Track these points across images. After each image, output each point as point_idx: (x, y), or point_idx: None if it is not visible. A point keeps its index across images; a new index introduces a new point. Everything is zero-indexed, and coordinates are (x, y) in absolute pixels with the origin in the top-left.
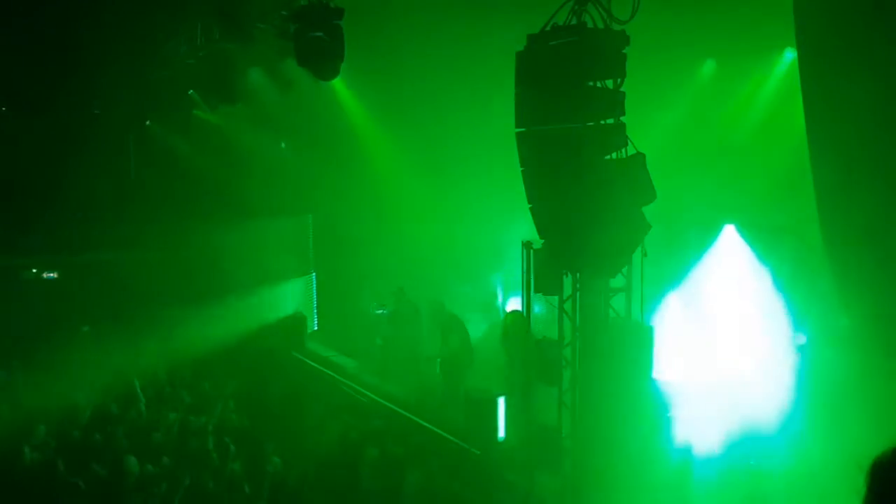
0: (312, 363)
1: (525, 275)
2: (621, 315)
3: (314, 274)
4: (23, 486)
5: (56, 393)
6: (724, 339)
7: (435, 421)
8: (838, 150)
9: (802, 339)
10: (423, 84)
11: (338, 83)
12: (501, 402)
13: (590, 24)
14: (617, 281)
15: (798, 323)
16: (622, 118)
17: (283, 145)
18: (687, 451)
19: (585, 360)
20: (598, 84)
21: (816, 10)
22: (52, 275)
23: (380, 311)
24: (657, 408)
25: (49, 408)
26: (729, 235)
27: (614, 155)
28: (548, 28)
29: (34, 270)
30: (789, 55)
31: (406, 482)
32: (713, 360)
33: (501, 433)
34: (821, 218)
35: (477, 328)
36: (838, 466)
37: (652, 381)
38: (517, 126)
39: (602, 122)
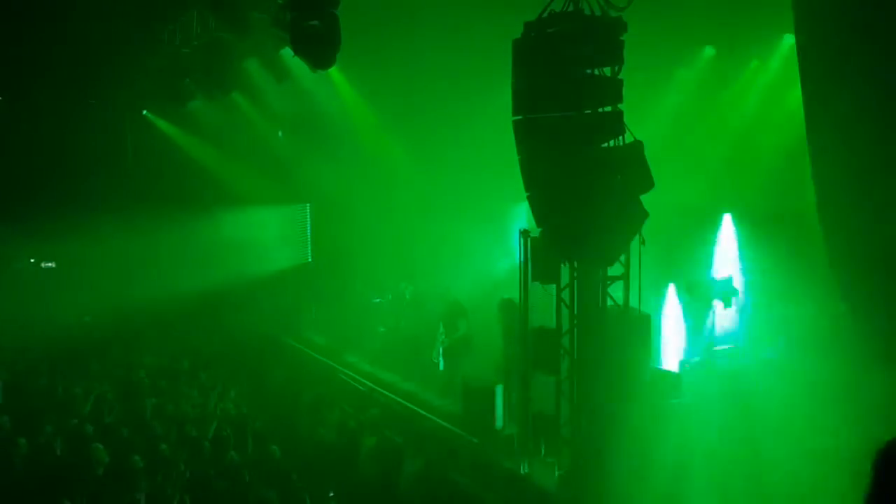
0: (310, 352)
1: (523, 263)
2: (619, 303)
3: (313, 262)
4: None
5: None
6: (721, 328)
7: (433, 409)
8: (838, 137)
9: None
10: (422, 72)
11: (335, 72)
12: (499, 390)
13: (587, 11)
14: (615, 269)
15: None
16: (620, 106)
17: (280, 134)
18: (686, 439)
19: (583, 348)
20: (596, 71)
21: None
22: (50, 264)
23: (378, 300)
24: (656, 396)
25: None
26: (727, 224)
27: (612, 143)
28: (545, 15)
29: (31, 260)
30: (788, 41)
31: (404, 470)
32: (711, 348)
33: (499, 422)
34: (819, 205)
35: (475, 317)
36: (837, 453)
37: (650, 370)
38: (514, 114)
39: (600, 109)
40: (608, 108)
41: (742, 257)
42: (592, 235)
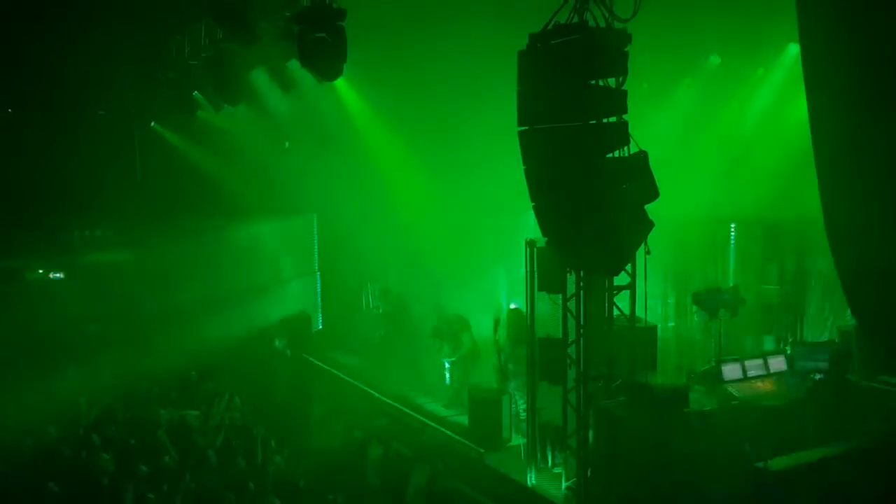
0: (317, 362)
1: (529, 273)
2: (625, 313)
3: (319, 273)
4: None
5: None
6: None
7: (440, 420)
8: (843, 146)
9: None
10: (427, 83)
11: (341, 82)
12: (506, 401)
13: (591, 23)
14: (621, 279)
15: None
16: (624, 116)
17: (287, 145)
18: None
19: (590, 358)
20: (601, 82)
21: (820, 2)
22: (58, 275)
23: (380, 310)
24: (663, 406)
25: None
26: (733, 233)
27: (617, 153)
28: (549, 26)
29: (40, 271)
30: (793, 49)
31: (410, 481)
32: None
33: (506, 432)
34: (826, 215)
35: (481, 328)
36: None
37: (657, 380)
38: (519, 125)
39: (604, 120)
40: (613, 119)
41: (748, 266)
42: (598, 245)
